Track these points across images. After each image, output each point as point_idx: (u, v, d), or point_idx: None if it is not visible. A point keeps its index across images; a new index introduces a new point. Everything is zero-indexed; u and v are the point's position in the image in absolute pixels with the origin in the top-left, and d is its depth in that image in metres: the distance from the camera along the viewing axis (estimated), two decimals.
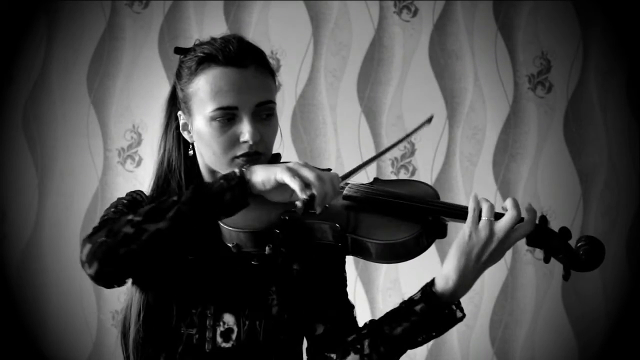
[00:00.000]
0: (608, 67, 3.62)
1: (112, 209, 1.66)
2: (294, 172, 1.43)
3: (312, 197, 1.42)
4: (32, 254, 3.28)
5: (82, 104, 3.35)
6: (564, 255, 1.51)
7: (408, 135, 1.79)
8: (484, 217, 1.51)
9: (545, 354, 3.53)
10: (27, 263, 3.28)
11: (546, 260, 1.53)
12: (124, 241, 1.45)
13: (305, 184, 1.43)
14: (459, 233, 1.52)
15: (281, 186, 1.44)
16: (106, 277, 1.49)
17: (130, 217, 1.47)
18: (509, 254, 3.52)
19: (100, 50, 3.37)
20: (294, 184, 1.42)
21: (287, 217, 1.55)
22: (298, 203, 1.41)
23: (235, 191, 1.46)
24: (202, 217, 1.46)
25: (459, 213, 1.56)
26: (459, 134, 3.54)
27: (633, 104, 3.62)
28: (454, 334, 3.48)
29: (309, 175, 1.43)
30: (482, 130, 3.55)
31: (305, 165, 1.46)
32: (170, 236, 1.46)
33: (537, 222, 1.53)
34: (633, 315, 3.55)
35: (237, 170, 1.48)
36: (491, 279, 3.50)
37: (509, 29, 3.59)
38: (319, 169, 1.65)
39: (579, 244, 1.51)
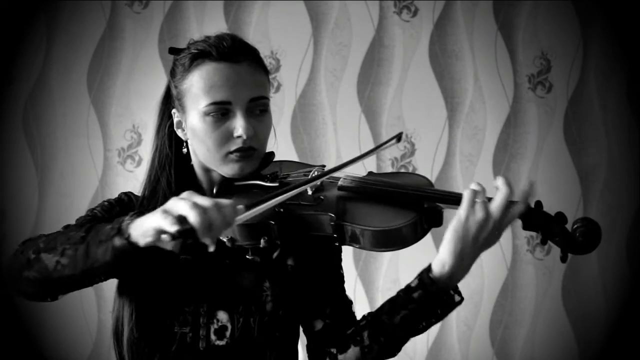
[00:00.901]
0: (608, 67, 3.61)
1: (89, 212, 1.67)
2: (166, 212, 1.27)
3: (190, 231, 1.24)
4: None
5: (82, 104, 3.36)
6: (561, 238, 1.51)
7: (373, 151, 1.74)
8: (478, 200, 1.49)
9: (545, 354, 3.53)
10: None
11: (543, 242, 1.53)
12: (25, 266, 1.43)
13: (183, 219, 1.26)
14: (455, 217, 1.51)
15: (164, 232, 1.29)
16: (18, 294, 1.49)
17: (42, 239, 1.45)
18: (508, 254, 3.52)
19: (100, 50, 3.38)
20: (164, 223, 1.26)
21: (281, 210, 1.55)
22: (165, 237, 1.26)
23: (110, 245, 1.35)
24: (83, 267, 1.39)
25: (454, 199, 1.56)
26: (459, 134, 3.53)
27: (633, 104, 3.61)
28: (454, 334, 3.48)
29: (181, 208, 1.26)
30: (482, 130, 3.54)
31: (184, 197, 1.29)
32: (54, 276, 1.41)
33: (532, 206, 1.53)
34: (633, 315, 3.55)
35: (125, 219, 1.36)
36: (491, 279, 3.50)
37: (509, 29, 3.59)
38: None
39: (575, 226, 1.51)
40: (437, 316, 1.57)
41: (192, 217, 1.24)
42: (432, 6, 3.54)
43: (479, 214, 1.48)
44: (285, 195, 1.44)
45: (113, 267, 1.37)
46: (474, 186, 1.51)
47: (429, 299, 1.54)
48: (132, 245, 1.33)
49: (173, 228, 1.24)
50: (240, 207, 1.32)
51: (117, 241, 1.34)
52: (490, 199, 1.51)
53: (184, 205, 1.26)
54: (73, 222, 1.65)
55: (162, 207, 1.29)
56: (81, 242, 1.39)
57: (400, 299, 1.57)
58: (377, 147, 1.74)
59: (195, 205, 1.25)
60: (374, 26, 3.51)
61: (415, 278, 1.57)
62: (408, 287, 1.57)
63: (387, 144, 1.75)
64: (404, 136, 3.49)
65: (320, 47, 3.48)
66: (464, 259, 1.51)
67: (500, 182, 1.50)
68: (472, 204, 1.49)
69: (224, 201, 1.29)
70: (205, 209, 1.25)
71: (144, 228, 1.31)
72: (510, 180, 1.51)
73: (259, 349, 1.63)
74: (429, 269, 1.55)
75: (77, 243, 1.39)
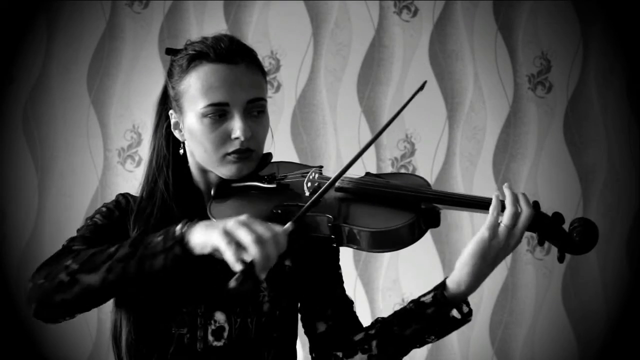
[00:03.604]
0: (608, 67, 3.62)
1: (89, 221, 1.67)
2: (229, 238, 1.33)
3: (250, 266, 1.30)
4: (32, 254, 3.28)
5: (82, 104, 3.36)
6: (558, 239, 1.50)
7: (401, 110, 1.75)
8: (504, 224, 1.49)
9: (545, 354, 3.53)
10: (27, 263, 3.28)
11: (540, 243, 1.52)
12: (58, 289, 1.44)
13: (244, 248, 1.32)
14: (475, 237, 1.51)
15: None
16: (46, 318, 1.50)
17: (69, 262, 1.45)
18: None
19: (100, 50, 3.38)
20: (228, 254, 1.32)
21: (279, 211, 1.55)
22: (231, 283, 1.29)
23: (171, 254, 1.39)
24: (135, 278, 1.42)
25: (451, 200, 1.56)
26: (459, 134, 3.53)
27: (633, 104, 3.61)
28: (454, 334, 3.45)
29: (245, 239, 1.32)
30: (482, 130, 3.54)
31: (245, 223, 1.34)
32: (101, 292, 1.43)
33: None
34: (633, 315, 3.55)
35: (177, 229, 1.41)
36: (491, 279, 3.45)
37: (509, 29, 3.59)
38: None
39: (573, 226, 1.50)
40: (448, 331, 1.58)
41: (254, 253, 1.30)
42: (432, 6, 3.54)
43: (502, 235, 1.49)
44: (319, 194, 1.48)
45: (170, 275, 1.41)
46: (497, 206, 1.50)
47: (441, 317, 1.55)
48: (188, 253, 1.39)
49: (237, 267, 1.30)
50: (289, 226, 1.39)
51: (177, 249, 1.39)
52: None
53: (246, 235, 1.32)
54: (73, 222, 1.65)
55: (223, 224, 1.34)
56: (131, 257, 1.41)
57: (413, 313, 1.58)
58: (404, 106, 1.74)
59: (260, 240, 1.31)
60: (374, 26, 3.51)
61: (429, 294, 1.57)
62: (421, 302, 1.58)
63: (414, 97, 1.73)
64: (404, 136, 3.49)
65: (320, 47, 3.48)
66: (481, 277, 1.53)
67: (523, 203, 1.49)
68: (496, 226, 1.49)
69: (280, 230, 1.36)
70: (266, 243, 1.31)
71: (202, 241, 1.36)
72: (528, 199, 1.50)
73: (257, 349, 1.63)
74: (444, 286, 1.55)
75: (124, 259, 1.41)
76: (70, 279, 1.43)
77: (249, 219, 1.35)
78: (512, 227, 1.48)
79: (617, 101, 3.61)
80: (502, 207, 1.50)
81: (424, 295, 1.58)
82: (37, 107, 3.32)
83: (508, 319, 3.53)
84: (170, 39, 3.39)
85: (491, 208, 1.50)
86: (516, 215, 1.48)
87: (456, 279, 1.53)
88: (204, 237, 1.36)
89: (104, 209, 1.70)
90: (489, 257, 1.50)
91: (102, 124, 3.37)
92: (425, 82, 1.77)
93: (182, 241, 1.38)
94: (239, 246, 1.32)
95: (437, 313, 1.55)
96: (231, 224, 1.34)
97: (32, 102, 3.32)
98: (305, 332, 1.76)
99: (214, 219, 1.56)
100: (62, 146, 3.34)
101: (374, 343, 1.63)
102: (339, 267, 1.79)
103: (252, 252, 1.30)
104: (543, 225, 1.51)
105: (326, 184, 1.51)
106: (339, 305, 1.74)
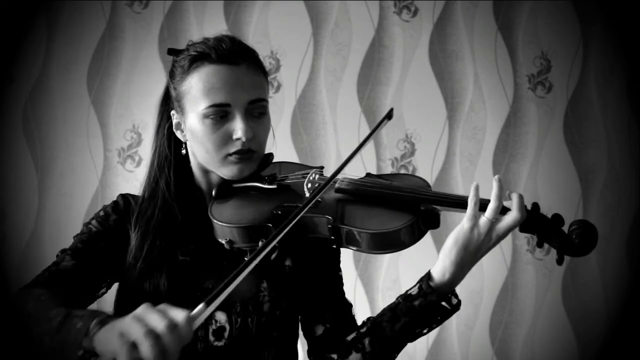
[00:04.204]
0: (608, 67, 3.62)
1: (84, 227, 1.67)
2: (123, 339, 1.15)
3: None
4: (32, 254, 3.28)
5: (82, 104, 3.36)
6: (557, 240, 1.50)
7: (367, 138, 1.71)
8: (486, 217, 1.49)
9: (545, 354, 3.53)
10: (27, 263, 3.27)
11: (539, 244, 1.52)
12: (24, 326, 1.42)
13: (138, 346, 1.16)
14: (457, 227, 1.51)
15: None
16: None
17: (31, 304, 1.42)
18: (508, 254, 3.52)
19: (100, 50, 3.37)
20: (120, 352, 1.14)
21: (279, 212, 1.55)
22: None
23: (80, 350, 1.27)
24: (61, 357, 1.32)
25: (450, 201, 1.56)
26: (459, 134, 3.53)
27: (633, 104, 3.61)
28: (454, 334, 3.47)
29: (136, 334, 1.14)
30: (482, 130, 3.54)
31: (138, 317, 1.18)
32: (45, 352, 1.37)
33: (529, 208, 1.52)
34: (633, 315, 3.54)
35: (91, 326, 1.27)
36: (491, 279, 3.50)
37: (509, 29, 3.59)
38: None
39: (572, 228, 1.50)
40: (437, 322, 1.58)
41: (144, 349, 1.13)
42: (432, 6, 3.54)
43: (483, 229, 1.49)
44: (243, 271, 1.28)
45: None
46: (474, 197, 1.50)
47: (429, 307, 1.55)
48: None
49: None
50: (200, 309, 1.20)
51: (86, 343, 1.27)
52: (489, 201, 1.51)
53: (138, 331, 1.14)
54: (73, 222, 1.64)
55: (119, 327, 1.18)
56: (56, 333, 1.33)
57: (401, 307, 1.57)
58: (371, 133, 1.71)
59: (149, 334, 1.13)
60: (374, 26, 3.51)
61: (415, 286, 1.57)
62: (408, 295, 1.57)
63: (380, 126, 1.74)
64: (404, 136, 3.49)
65: (320, 47, 3.48)
66: (465, 267, 1.52)
67: (515, 203, 1.49)
68: (476, 217, 1.49)
69: (179, 317, 1.17)
70: (159, 336, 1.13)
71: (103, 349, 1.23)
72: (523, 203, 1.49)
73: (257, 349, 1.63)
74: (429, 276, 1.55)
75: (53, 333, 1.33)
76: (27, 322, 1.41)
77: (145, 310, 1.19)
78: (494, 221, 1.49)
79: (617, 101, 3.61)
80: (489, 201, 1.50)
81: (411, 288, 1.58)
82: (37, 107, 3.32)
83: (508, 319, 3.53)
84: (170, 39, 3.39)
85: (469, 200, 1.50)
86: (497, 210, 1.49)
87: (440, 269, 1.53)
88: (104, 342, 1.23)
89: (101, 212, 1.70)
90: (470, 248, 1.50)
91: (102, 124, 3.37)
92: (391, 110, 1.77)
93: (90, 341, 1.26)
94: (134, 346, 1.15)
95: (424, 304, 1.54)
96: (126, 321, 1.18)
97: (32, 102, 3.32)
98: (304, 335, 1.77)
99: (215, 220, 1.56)
100: (62, 146, 3.34)
101: (366, 341, 1.62)
102: (339, 269, 1.79)
103: (143, 350, 1.13)
104: (542, 227, 1.51)
105: (295, 211, 1.45)
106: (337, 308, 1.74)
